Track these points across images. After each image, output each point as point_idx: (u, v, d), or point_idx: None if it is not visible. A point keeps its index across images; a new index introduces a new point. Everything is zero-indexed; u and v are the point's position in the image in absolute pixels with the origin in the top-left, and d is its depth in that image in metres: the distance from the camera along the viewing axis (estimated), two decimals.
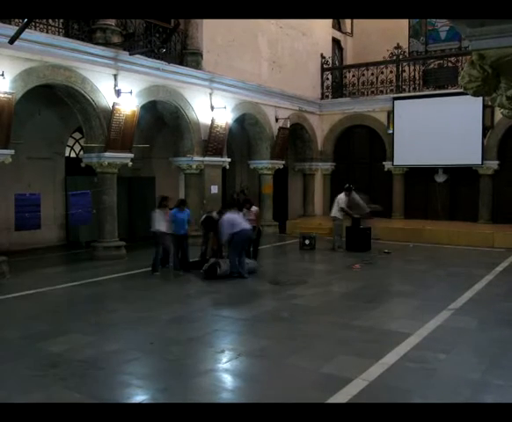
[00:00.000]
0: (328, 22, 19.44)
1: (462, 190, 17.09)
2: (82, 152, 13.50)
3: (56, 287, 9.16)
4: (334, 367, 5.52)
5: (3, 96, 9.40)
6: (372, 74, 18.43)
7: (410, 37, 19.60)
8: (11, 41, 9.19)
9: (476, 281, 9.60)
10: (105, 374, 5.30)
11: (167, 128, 14.67)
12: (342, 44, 21.34)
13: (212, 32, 14.14)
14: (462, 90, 3.53)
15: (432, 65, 17.81)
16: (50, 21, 10.87)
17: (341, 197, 13.42)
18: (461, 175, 17.00)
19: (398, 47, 17.88)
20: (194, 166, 14.09)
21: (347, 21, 21.44)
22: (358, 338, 6.52)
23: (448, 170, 17.17)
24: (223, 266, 9.77)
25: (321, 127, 19.01)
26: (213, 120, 14.08)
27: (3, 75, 9.42)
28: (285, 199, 19.24)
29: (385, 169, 17.85)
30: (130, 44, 12.30)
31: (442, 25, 18.80)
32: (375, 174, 18.30)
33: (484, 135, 16.22)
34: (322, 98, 19.04)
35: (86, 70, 11.10)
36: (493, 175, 16.46)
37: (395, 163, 17.55)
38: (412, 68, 17.93)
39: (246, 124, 16.32)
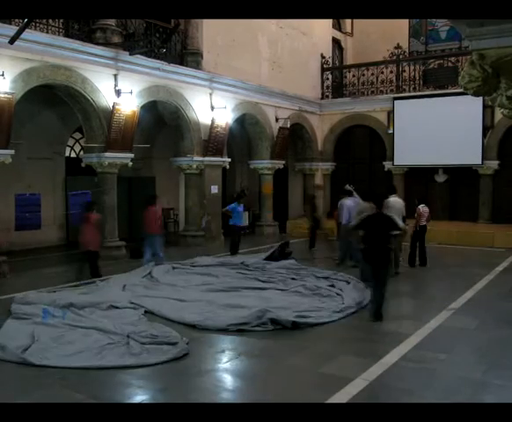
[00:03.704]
0: (328, 22, 19.42)
1: (462, 190, 17.10)
2: (82, 152, 13.50)
3: (56, 287, 9.15)
4: (334, 367, 5.52)
5: (3, 96, 9.40)
6: (372, 74, 18.42)
7: (410, 37, 19.61)
8: (11, 41, 9.19)
9: (476, 281, 9.60)
10: (105, 374, 5.30)
11: (167, 128, 14.67)
12: (342, 44, 21.34)
13: (212, 32, 14.13)
14: (462, 90, 3.54)
15: (432, 65, 17.80)
16: (50, 21, 10.86)
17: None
18: (461, 175, 17.00)
19: (398, 47, 17.88)
20: (195, 166, 14.09)
21: (347, 21, 21.44)
22: (358, 337, 6.52)
23: (448, 170, 17.18)
24: None
25: (321, 127, 19.00)
26: (213, 120, 14.08)
27: (3, 75, 9.42)
28: (285, 199, 19.24)
29: (385, 169, 17.86)
30: (130, 44, 12.29)
31: (442, 25, 18.80)
32: (375, 174, 18.30)
33: (484, 135, 16.23)
34: (322, 98, 19.03)
35: (86, 70, 11.10)
36: (494, 175, 16.47)
37: (395, 163, 17.55)
38: (412, 68, 17.92)
39: (246, 124, 16.31)
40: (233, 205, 12.30)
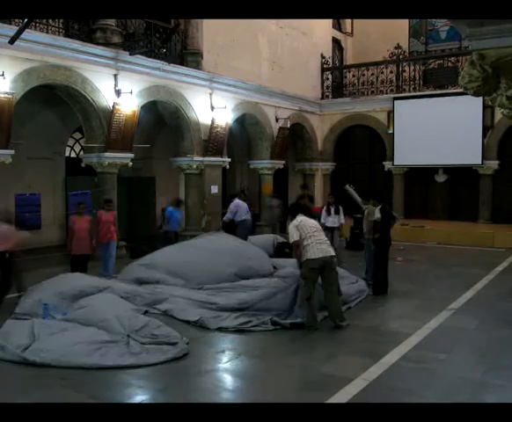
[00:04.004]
0: (328, 22, 19.42)
1: (462, 190, 17.10)
2: (82, 152, 13.49)
3: None
4: (334, 367, 5.52)
5: (3, 96, 9.39)
6: (372, 74, 18.43)
7: (410, 37, 19.62)
8: (11, 41, 9.18)
9: (476, 281, 9.61)
10: (105, 375, 5.30)
11: (167, 128, 14.67)
12: (342, 44, 21.34)
13: (212, 32, 14.13)
14: (462, 90, 3.53)
15: (432, 65, 17.81)
16: (50, 21, 10.86)
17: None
18: (461, 175, 17.01)
19: (398, 47, 17.89)
20: (195, 166, 14.09)
21: (347, 21, 21.44)
22: (358, 337, 6.52)
23: (448, 170, 17.19)
24: None
25: (321, 127, 19.00)
26: (213, 120, 14.07)
27: (3, 75, 9.42)
28: (285, 199, 19.22)
29: (385, 169, 17.87)
30: (130, 44, 12.29)
31: (442, 25, 18.81)
32: (375, 174, 18.31)
33: (484, 135, 16.23)
34: (322, 98, 19.04)
35: (86, 70, 11.09)
36: (494, 175, 16.47)
37: (395, 163, 17.55)
38: (412, 68, 17.92)
39: (246, 124, 16.31)
40: (170, 209, 11.35)
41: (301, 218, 7.10)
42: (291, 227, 7.03)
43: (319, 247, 6.83)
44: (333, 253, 7.04)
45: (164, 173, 15.83)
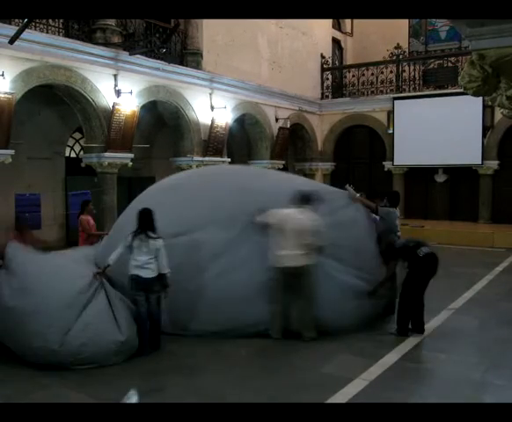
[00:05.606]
0: (328, 22, 19.44)
1: (462, 190, 17.12)
2: (82, 152, 13.49)
3: None
4: (334, 367, 5.52)
5: (3, 96, 9.39)
6: (372, 74, 18.45)
7: (410, 37, 19.62)
8: (11, 41, 9.18)
9: (476, 281, 9.61)
10: (104, 374, 5.30)
11: (167, 128, 14.67)
12: (342, 44, 21.35)
13: (212, 32, 14.14)
14: (462, 90, 3.54)
15: (432, 65, 17.83)
16: (50, 21, 10.86)
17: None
18: (461, 175, 17.02)
19: (398, 47, 17.91)
20: (195, 166, 14.07)
21: (347, 21, 21.45)
22: (358, 337, 6.52)
23: (448, 170, 17.20)
24: None
25: (321, 127, 19.02)
26: (213, 120, 14.08)
27: (3, 75, 9.41)
28: None
29: (385, 169, 17.88)
30: (130, 44, 12.29)
31: (442, 25, 18.81)
32: (375, 174, 18.33)
33: (484, 135, 16.24)
34: (322, 98, 19.05)
35: (86, 70, 11.09)
36: (493, 175, 16.49)
37: (395, 163, 17.56)
38: (412, 68, 17.94)
39: (246, 124, 16.31)
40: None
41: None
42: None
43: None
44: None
45: (164, 173, 15.70)
